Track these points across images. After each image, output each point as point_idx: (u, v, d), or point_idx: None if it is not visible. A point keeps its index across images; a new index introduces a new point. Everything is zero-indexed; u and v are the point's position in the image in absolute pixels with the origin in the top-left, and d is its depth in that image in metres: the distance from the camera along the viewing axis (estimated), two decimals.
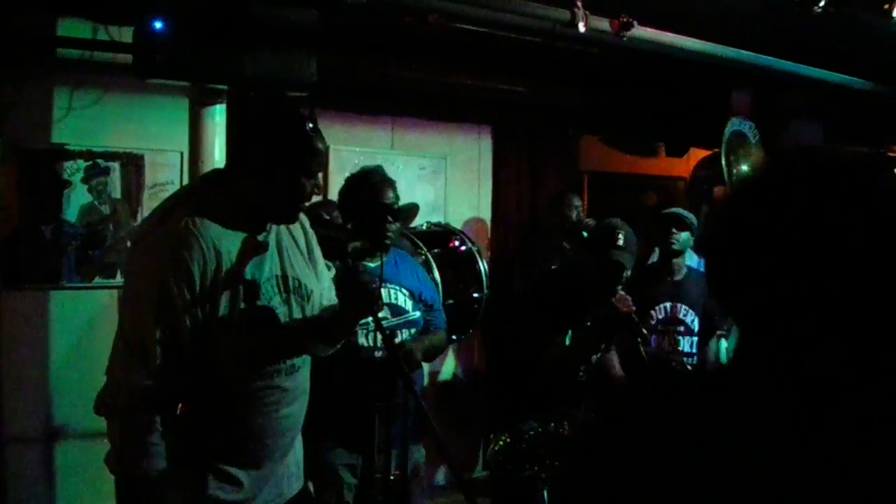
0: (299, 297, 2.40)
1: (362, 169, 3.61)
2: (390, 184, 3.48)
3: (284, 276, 2.37)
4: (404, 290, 3.51)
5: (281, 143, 2.25)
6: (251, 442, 2.34)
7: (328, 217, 3.66)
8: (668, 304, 4.31)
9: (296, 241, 2.46)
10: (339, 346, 2.62)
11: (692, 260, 4.72)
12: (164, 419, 2.16)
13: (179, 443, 2.20)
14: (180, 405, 2.21)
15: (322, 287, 2.53)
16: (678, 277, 4.38)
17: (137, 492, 2.16)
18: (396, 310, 3.46)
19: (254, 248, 2.26)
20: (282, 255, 2.38)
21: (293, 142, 2.26)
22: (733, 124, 5.47)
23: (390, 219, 3.36)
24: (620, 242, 3.50)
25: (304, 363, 2.46)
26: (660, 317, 4.30)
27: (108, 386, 2.19)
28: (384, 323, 3.29)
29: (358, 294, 2.33)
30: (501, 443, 3.33)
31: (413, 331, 3.51)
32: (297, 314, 2.39)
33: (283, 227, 2.41)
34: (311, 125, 2.28)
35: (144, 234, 2.32)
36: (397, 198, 3.47)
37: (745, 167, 5.48)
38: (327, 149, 2.40)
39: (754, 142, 5.50)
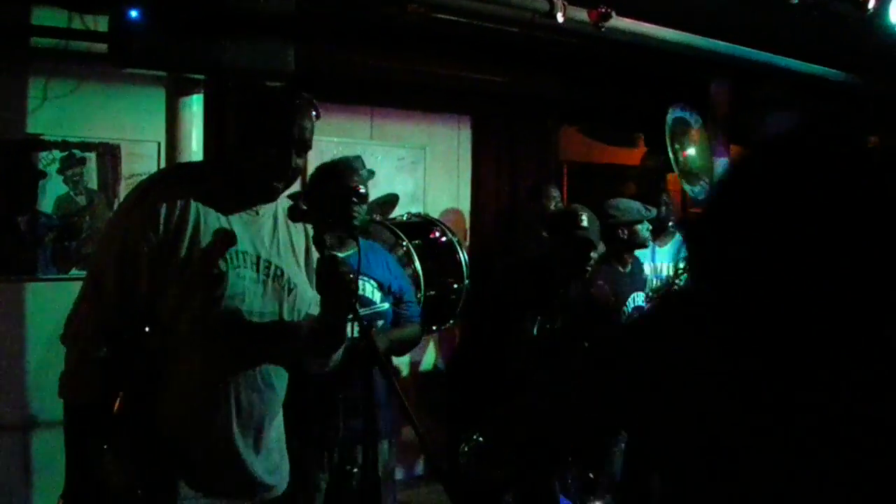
0: (279, 285, 2.36)
1: (329, 161, 3.61)
2: (355, 170, 3.46)
3: (268, 262, 2.34)
4: (372, 282, 3.47)
5: (264, 110, 2.30)
6: (193, 433, 2.28)
7: (305, 207, 3.64)
8: (633, 295, 4.40)
9: (292, 241, 2.43)
10: (333, 362, 2.55)
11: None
12: (113, 351, 2.18)
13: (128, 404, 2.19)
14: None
15: (314, 293, 2.47)
16: (629, 268, 4.50)
17: (83, 417, 2.19)
18: (363, 301, 3.40)
19: (224, 241, 2.25)
20: (272, 242, 2.37)
21: (275, 108, 2.30)
22: (674, 112, 5.53)
23: (356, 199, 3.33)
24: (584, 223, 3.56)
25: None
26: (630, 310, 4.37)
27: (70, 314, 2.25)
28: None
29: (334, 285, 2.28)
30: (473, 443, 3.32)
31: (381, 323, 3.46)
32: (273, 300, 2.35)
33: (281, 223, 2.40)
34: (299, 100, 2.32)
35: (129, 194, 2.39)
36: (363, 183, 3.43)
37: (691, 151, 5.55)
38: (312, 127, 2.38)
39: (696, 126, 5.58)
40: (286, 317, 2.39)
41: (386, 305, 3.50)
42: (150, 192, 2.27)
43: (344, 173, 3.40)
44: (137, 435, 2.21)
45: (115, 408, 2.15)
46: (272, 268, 2.35)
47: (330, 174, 3.43)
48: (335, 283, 2.26)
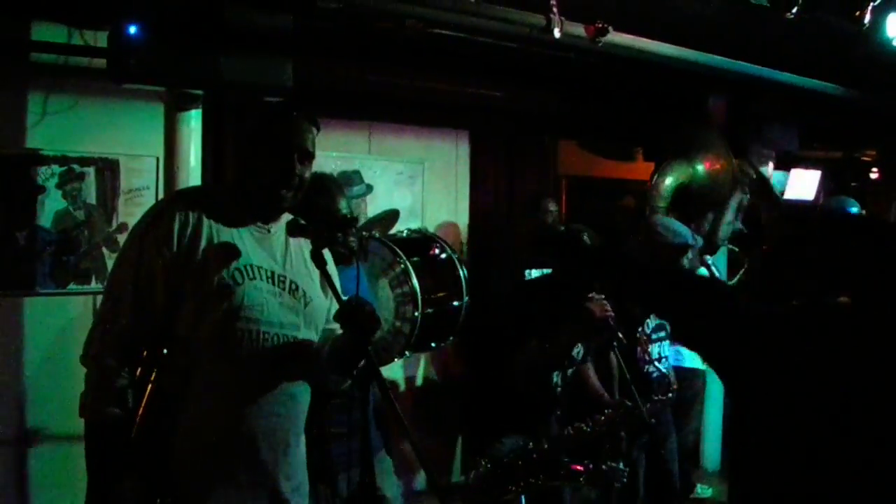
0: (294, 298, 2.39)
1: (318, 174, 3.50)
2: (342, 192, 3.34)
3: (282, 276, 2.38)
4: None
5: (264, 123, 2.39)
6: (216, 448, 2.27)
7: (304, 223, 3.63)
8: None
9: (304, 256, 2.45)
10: (346, 381, 2.55)
11: None
12: (134, 370, 2.20)
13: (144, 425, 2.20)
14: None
15: (329, 304, 2.49)
16: None
17: (104, 437, 2.20)
18: None
19: (226, 251, 2.27)
20: (286, 258, 2.41)
21: (274, 119, 2.38)
22: None
23: (352, 228, 3.25)
24: (586, 244, 3.54)
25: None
26: (653, 325, 4.34)
27: (89, 335, 2.28)
28: None
29: (359, 324, 2.26)
30: (482, 469, 3.32)
31: None
32: (290, 312, 2.37)
33: (294, 240, 2.43)
34: (299, 113, 2.39)
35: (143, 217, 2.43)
36: (349, 206, 3.32)
37: (669, 180, 5.57)
38: (313, 137, 2.43)
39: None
40: (303, 328, 2.41)
41: None
42: (163, 213, 2.31)
43: (333, 196, 3.28)
44: (157, 456, 2.22)
45: (135, 428, 2.16)
46: (287, 281, 2.39)
47: (318, 190, 3.24)
48: (360, 323, 2.27)
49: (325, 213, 3.19)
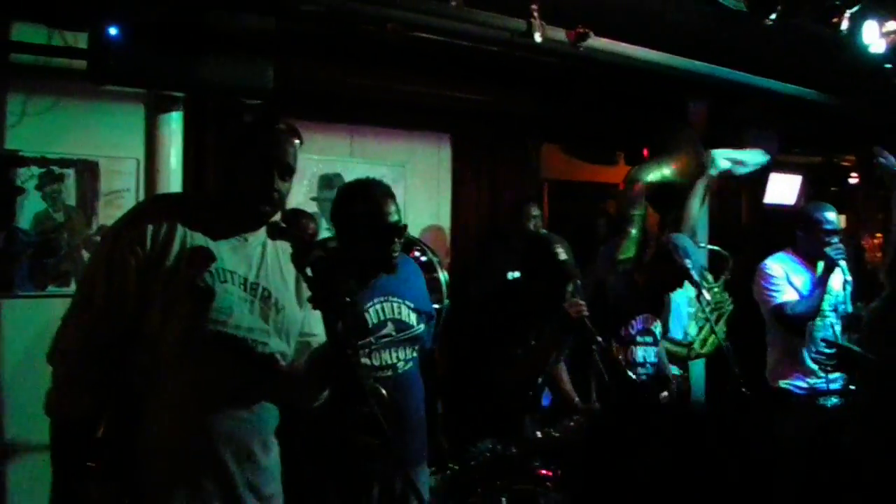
0: (266, 305, 2.36)
1: (363, 181, 3.25)
2: (392, 197, 3.12)
3: (255, 283, 2.35)
4: (409, 303, 3.23)
5: (246, 137, 2.34)
6: (178, 451, 2.24)
7: (284, 225, 3.61)
8: (645, 315, 4.38)
9: (281, 265, 2.43)
10: (321, 398, 2.50)
11: None
12: (101, 368, 2.18)
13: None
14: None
15: (305, 315, 2.45)
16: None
17: (69, 435, 2.19)
18: (400, 325, 3.16)
19: (202, 255, 2.26)
20: (260, 267, 2.38)
21: (257, 135, 2.34)
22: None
23: (397, 237, 3.06)
24: (562, 257, 3.54)
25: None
26: (638, 328, 4.35)
27: (58, 332, 2.27)
28: (387, 340, 3.11)
29: (324, 294, 2.14)
30: (449, 471, 3.31)
31: (417, 347, 3.27)
32: (260, 318, 2.34)
33: (269, 249, 2.40)
34: (282, 126, 2.37)
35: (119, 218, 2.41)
36: (399, 212, 3.12)
37: (640, 185, 5.58)
38: (295, 152, 2.42)
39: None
40: (273, 335, 2.38)
41: (422, 328, 3.26)
42: (139, 214, 2.32)
43: (380, 201, 3.06)
44: (121, 456, 2.20)
45: (100, 428, 2.15)
46: (259, 289, 2.36)
47: (363, 197, 3.10)
48: (322, 291, 2.16)
49: (371, 222, 3.04)
